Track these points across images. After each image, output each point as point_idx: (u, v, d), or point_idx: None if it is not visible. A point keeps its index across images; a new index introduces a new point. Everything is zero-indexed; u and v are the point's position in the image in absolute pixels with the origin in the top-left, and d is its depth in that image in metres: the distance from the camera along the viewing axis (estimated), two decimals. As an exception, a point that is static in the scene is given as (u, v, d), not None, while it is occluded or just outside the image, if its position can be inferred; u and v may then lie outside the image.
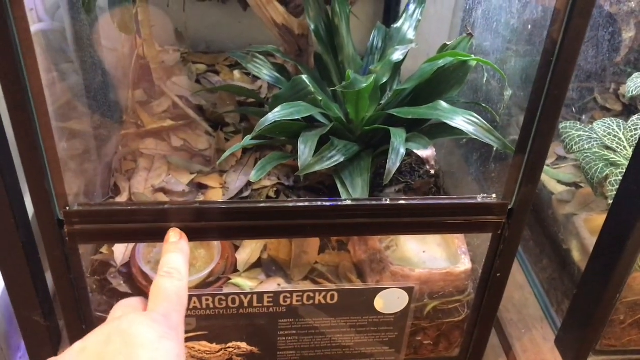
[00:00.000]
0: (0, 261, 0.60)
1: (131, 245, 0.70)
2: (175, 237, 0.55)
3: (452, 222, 0.60)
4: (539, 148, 0.56)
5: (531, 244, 0.90)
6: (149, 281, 0.67)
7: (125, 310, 0.48)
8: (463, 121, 0.62)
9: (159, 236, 0.61)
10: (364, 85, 0.63)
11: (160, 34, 1.08)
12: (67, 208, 0.55)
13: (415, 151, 0.63)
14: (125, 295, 0.67)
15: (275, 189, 0.79)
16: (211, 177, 0.80)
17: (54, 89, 0.78)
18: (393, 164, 0.61)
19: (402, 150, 0.62)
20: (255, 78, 1.00)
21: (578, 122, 0.78)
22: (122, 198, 0.77)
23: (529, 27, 0.69)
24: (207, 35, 1.11)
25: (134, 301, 0.50)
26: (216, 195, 0.78)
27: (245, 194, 0.79)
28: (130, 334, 0.43)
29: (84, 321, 0.63)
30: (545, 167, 0.90)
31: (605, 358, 0.76)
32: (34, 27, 0.76)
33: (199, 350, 0.66)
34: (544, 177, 0.88)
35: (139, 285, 0.67)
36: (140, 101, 0.93)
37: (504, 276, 0.65)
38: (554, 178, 0.87)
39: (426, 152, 0.62)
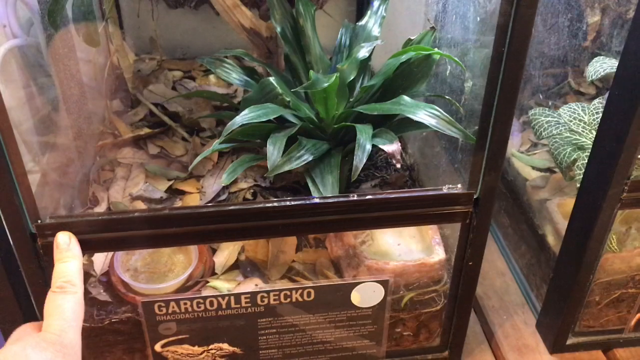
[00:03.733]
0: (-20, 276, 0.61)
1: (110, 254, 0.71)
2: (64, 242, 0.52)
3: (420, 214, 0.61)
4: (499, 136, 0.57)
5: (510, 230, 0.91)
6: (129, 289, 0.68)
7: (20, 334, 0.48)
8: (425, 115, 0.63)
9: (133, 244, 0.63)
10: (326, 84, 0.64)
11: (135, 43, 1.09)
12: (39, 221, 0.56)
13: (381, 146, 0.64)
14: (105, 304, 0.68)
15: (252, 190, 0.80)
16: (188, 183, 0.81)
17: (32, 103, 0.79)
18: (360, 160, 0.62)
19: (368, 147, 0.63)
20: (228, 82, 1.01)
21: (547, 108, 0.79)
22: (101, 208, 0.78)
23: (490, 17, 0.69)
24: (182, 41, 1.12)
25: (31, 325, 0.49)
26: (193, 200, 0.79)
27: (222, 197, 0.79)
28: (23, 357, 0.43)
29: (65, 331, 0.64)
30: (519, 153, 0.91)
31: (585, 339, 0.78)
32: (8, 44, 0.77)
33: (182, 353, 0.67)
34: (518, 164, 0.89)
35: (118, 293, 0.68)
36: (116, 111, 0.93)
37: (476, 264, 0.66)
38: (528, 164, 0.88)
39: (391, 147, 0.63)
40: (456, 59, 0.67)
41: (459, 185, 0.61)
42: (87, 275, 0.70)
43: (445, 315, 0.72)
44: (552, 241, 0.79)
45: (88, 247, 0.63)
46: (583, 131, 0.72)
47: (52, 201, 0.76)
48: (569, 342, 0.77)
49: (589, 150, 0.71)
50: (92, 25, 0.74)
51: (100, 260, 0.71)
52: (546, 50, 0.89)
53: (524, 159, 0.89)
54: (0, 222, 0.60)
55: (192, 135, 0.89)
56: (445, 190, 0.60)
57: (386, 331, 0.70)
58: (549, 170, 0.88)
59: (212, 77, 1.03)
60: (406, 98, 0.66)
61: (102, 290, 0.68)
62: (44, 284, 0.60)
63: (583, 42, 0.92)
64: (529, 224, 0.85)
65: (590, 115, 0.73)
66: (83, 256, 0.71)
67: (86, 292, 0.68)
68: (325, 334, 0.70)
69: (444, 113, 0.63)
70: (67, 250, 0.53)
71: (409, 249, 0.73)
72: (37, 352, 0.44)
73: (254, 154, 0.82)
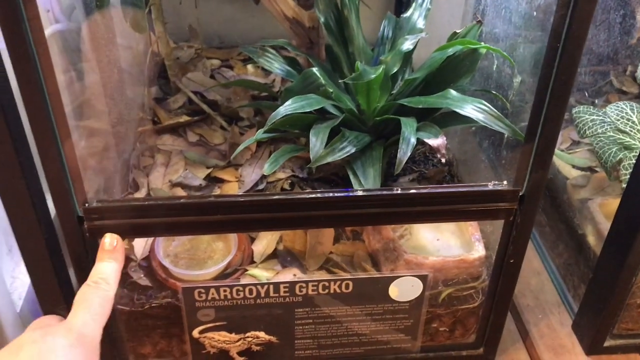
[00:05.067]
0: (25, 257, 0.62)
1: (151, 239, 0.72)
2: (110, 244, 0.55)
3: (464, 209, 0.60)
4: (549, 134, 0.56)
5: (547, 229, 0.90)
6: (169, 274, 0.68)
7: (40, 324, 0.49)
8: (473, 109, 0.63)
9: (176, 230, 0.63)
10: (373, 76, 0.64)
11: (174, 31, 1.09)
12: (87, 205, 0.56)
13: (426, 140, 0.63)
14: (146, 288, 0.69)
15: (289, 181, 0.80)
16: (227, 171, 0.82)
17: (72, 88, 0.80)
18: (404, 153, 0.62)
19: (413, 140, 0.63)
20: (269, 72, 1.01)
21: (591, 106, 0.77)
22: (141, 194, 0.79)
23: (539, 12, 0.68)
24: (220, 30, 1.12)
25: (51, 317, 0.51)
26: (232, 188, 0.79)
27: (261, 186, 0.80)
28: (42, 342, 0.44)
29: (107, 314, 0.65)
30: (559, 152, 0.90)
31: (623, 342, 0.76)
32: (51, 28, 0.78)
33: (219, 340, 0.68)
34: (558, 162, 0.88)
35: (158, 278, 0.69)
36: (156, 98, 0.94)
37: (517, 262, 0.65)
38: (568, 163, 0.87)
39: (437, 141, 0.63)
40: (505, 53, 0.66)
41: (505, 182, 0.60)
42: (128, 259, 0.71)
43: (482, 312, 0.71)
44: (593, 241, 0.77)
45: (131, 232, 0.64)
46: (631, 131, 0.71)
47: (92, 186, 0.77)
48: (606, 344, 0.76)
49: (636, 151, 0.69)
50: (139, 11, 0.75)
51: (140, 245, 0.71)
52: (591, 47, 0.87)
53: (564, 157, 0.88)
54: (45, 206, 0.62)
55: (231, 124, 0.89)
56: (490, 186, 0.60)
57: (422, 326, 0.70)
58: (590, 169, 0.86)
59: (250, 67, 1.03)
60: (452, 92, 0.65)
61: (142, 275, 0.69)
62: (88, 267, 0.60)
63: (629, 39, 0.90)
64: (568, 223, 0.83)
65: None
66: (125, 238, 0.73)
67: (127, 277, 0.69)
68: (361, 326, 0.70)
69: (492, 108, 0.62)
70: (111, 252, 0.55)
71: (448, 244, 0.72)
72: (57, 338, 0.45)
73: (292, 144, 0.82)
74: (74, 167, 0.54)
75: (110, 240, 0.55)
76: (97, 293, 0.51)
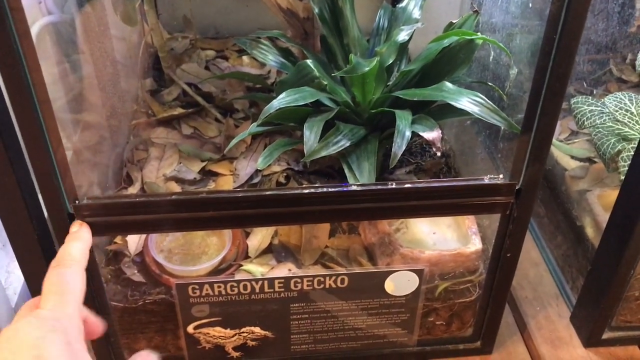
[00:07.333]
0: (17, 254, 0.61)
1: (144, 235, 0.71)
2: (75, 227, 0.55)
3: (460, 203, 0.60)
4: (545, 127, 0.55)
5: (545, 220, 0.89)
6: (162, 270, 0.68)
7: (22, 313, 0.47)
8: (468, 102, 0.62)
9: (168, 226, 0.63)
10: (367, 69, 0.63)
11: (168, 21, 1.08)
12: (77, 202, 0.56)
13: (421, 133, 0.62)
14: (139, 284, 0.68)
15: (285, 174, 0.79)
16: (221, 165, 0.81)
17: (65, 81, 0.79)
18: (399, 147, 0.61)
19: (408, 133, 0.62)
20: (264, 63, 1.00)
21: (590, 97, 0.76)
22: (135, 188, 0.78)
23: (536, 1, 0.67)
24: (215, 20, 1.11)
25: (33, 300, 0.48)
26: (227, 182, 0.78)
27: (256, 180, 0.79)
28: (16, 337, 0.42)
29: (100, 311, 0.64)
30: (558, 142, 0.89)
31: (621, 334, 0.76)
32: (43, 20, 0.77)
33: (214, 335, 0.67)
34: (557, 153, 0.87)
35: (152, 274, 0.68)
36: (150, 90, 0.93)
37: (514, 256, 0.64)
38: (567, 153, 0.86)
39: (432, 134, 0.62)
40: (501, 44, 0.65)
41: (501, 176, 0.59)
42: (122, 255, 0.70)
43: (479, 306, 0.71)
44: (591, 233, 0.77)
45: (123, 228, 0.63)
46: (629, 122, 0.70)
47: (86, 180, 0.76)
48: (604, 336, 0.76)
49: (635, 142, 0.69)
50: (130, 3, 0.74)
51: (134, 241, 0.71)
52: (590, 37, 0.86)
53: (562, 148, 0.87)
54: (38, 202, 0.61)
55: (225, 117, 0.88)
56: (486, 180, 0.59)
57: (419, 320, 0.70)
58: (589, 160, 0.85)
59: (245, 58, 1.02)
60: (448, 84, 0.64)
61: (136, 271, 0.69)
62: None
63: (628, 28, 0.89)
64: (567, 215, 0.83)
65: (638, 106, 0.70)
66: (118, 236, 0.72)
67: (120, 273, 0.69)
68: (357, 321, 0.69)
69: (488, 100, 0.61)
70: (75, 233, 0.54)
71: (444, 238, 0.72)
72: (31, 330, 0.43)
73: (287, 137, 0.81)
74: (64, 164, 0.54)
75: (75, 225, 0.56)
76: (62, 272, 0.49)
